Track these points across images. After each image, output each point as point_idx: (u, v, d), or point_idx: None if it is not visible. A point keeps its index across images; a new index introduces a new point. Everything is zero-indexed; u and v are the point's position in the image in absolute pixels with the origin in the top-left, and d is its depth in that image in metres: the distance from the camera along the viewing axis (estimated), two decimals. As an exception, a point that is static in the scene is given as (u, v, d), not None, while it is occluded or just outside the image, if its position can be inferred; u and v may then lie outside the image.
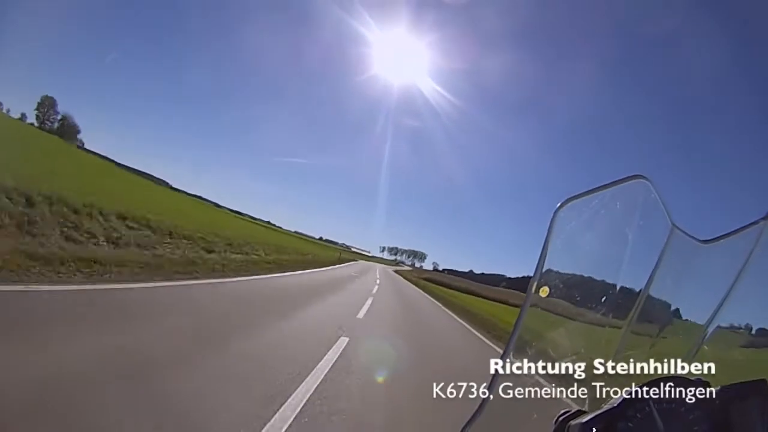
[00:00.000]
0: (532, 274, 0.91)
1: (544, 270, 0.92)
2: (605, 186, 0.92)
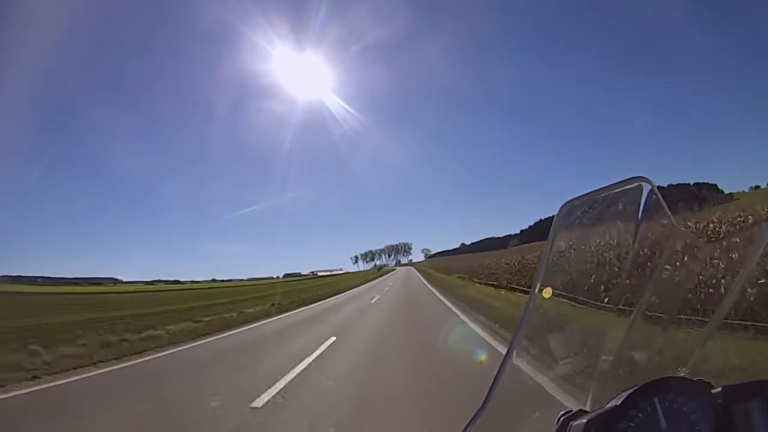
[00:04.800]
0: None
1: (547, 271, 0.93)
2: (607, 188, 0.92)
